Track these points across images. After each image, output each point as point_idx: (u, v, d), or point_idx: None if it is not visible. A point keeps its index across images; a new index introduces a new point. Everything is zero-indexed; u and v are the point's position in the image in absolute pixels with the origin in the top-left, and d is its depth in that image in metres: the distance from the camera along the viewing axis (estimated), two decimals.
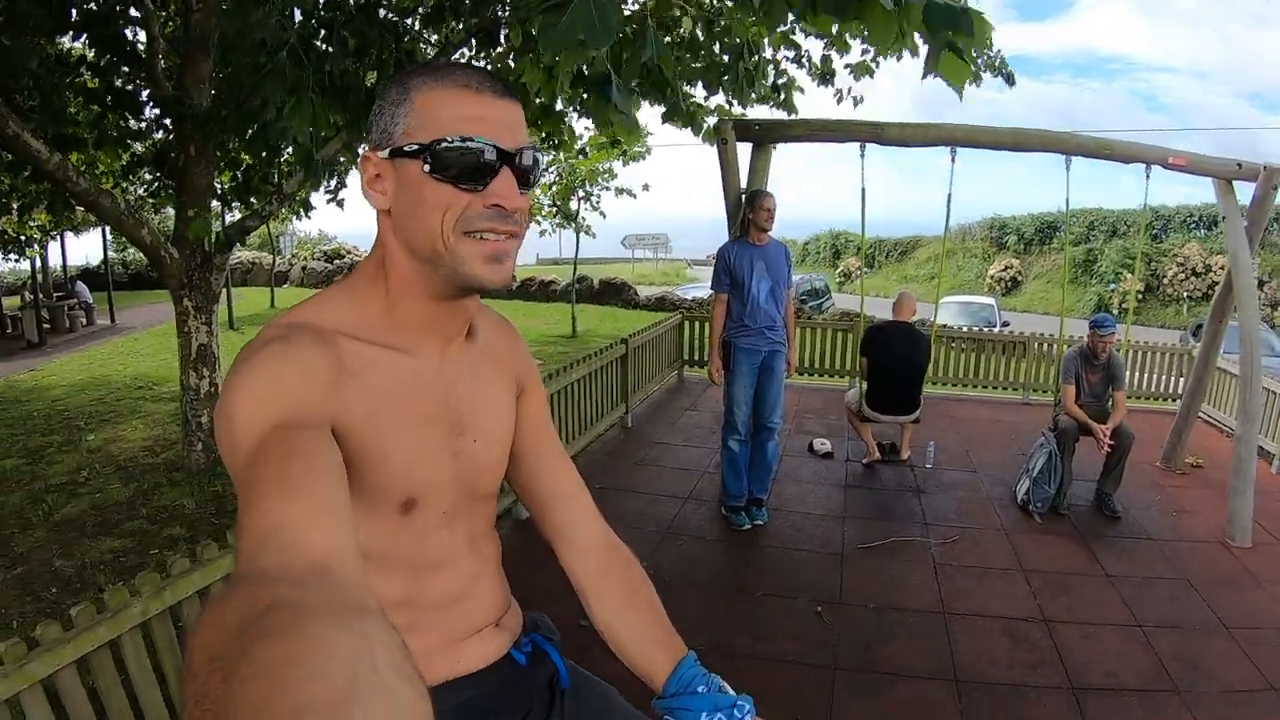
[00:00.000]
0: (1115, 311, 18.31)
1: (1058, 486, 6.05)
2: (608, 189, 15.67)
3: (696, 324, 10.26)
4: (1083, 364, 6.13)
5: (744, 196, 5.58)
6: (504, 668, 1.20)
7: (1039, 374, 9.95)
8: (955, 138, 5.87)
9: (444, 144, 0.94)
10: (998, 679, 4.07)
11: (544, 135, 7.79)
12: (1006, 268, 34.46)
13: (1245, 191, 6.24)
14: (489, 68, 6.62)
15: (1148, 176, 6.05)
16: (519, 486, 1.28)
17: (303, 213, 8.61)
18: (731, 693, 1.17)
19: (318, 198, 8.64)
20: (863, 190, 6.47)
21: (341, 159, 7.75)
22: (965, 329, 12.10)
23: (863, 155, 6.13)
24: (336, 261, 27.60)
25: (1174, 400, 9.05)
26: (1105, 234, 29.55)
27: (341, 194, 9.16)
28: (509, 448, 1.22)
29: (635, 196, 12.85)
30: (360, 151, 1.03)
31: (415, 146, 0.95)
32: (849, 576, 5.07)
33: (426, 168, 0.95)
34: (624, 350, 7.75)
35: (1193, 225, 28.03)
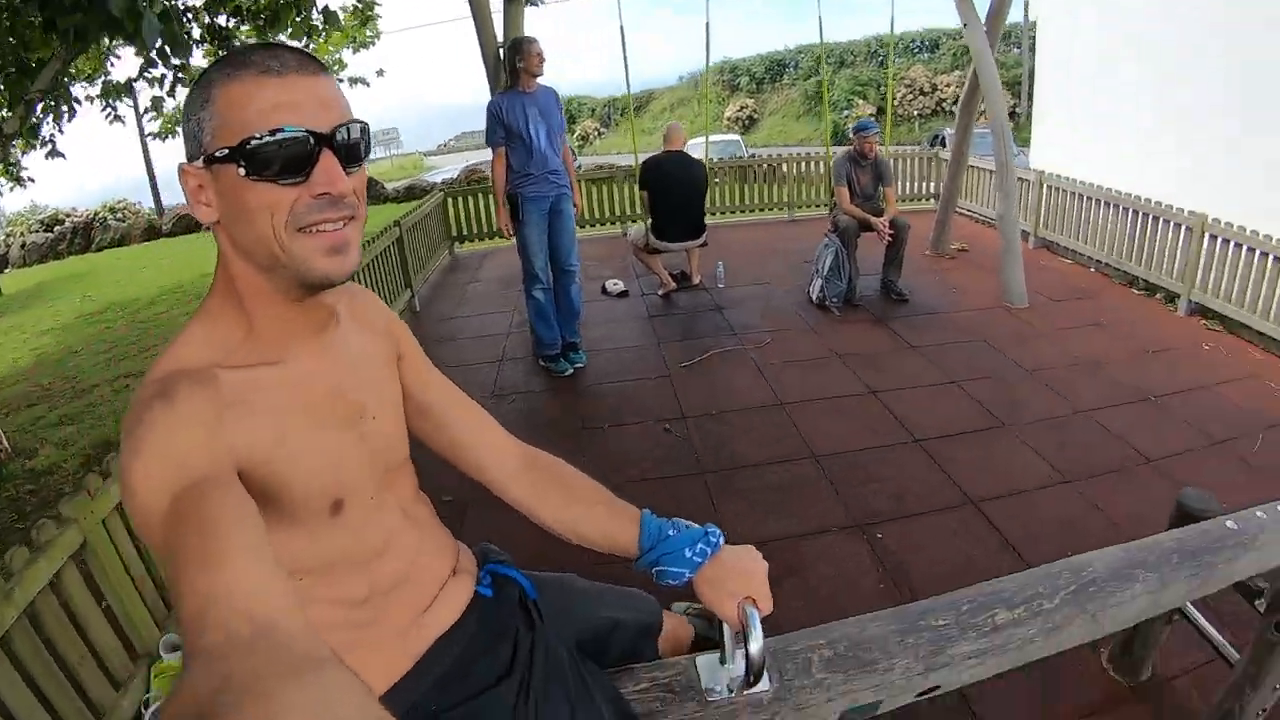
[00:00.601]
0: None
1: (848, 280, 6.57)
2: (341, 80, 14.24)
3: (460, 199, 10.27)
4: (852, 167, 6.58)
5: (509, 47, 5.28)
6: (476, 608, 1.23)
7: (798, 194, 10.49)
8: None
9: (253, 142, 0.88)
10: (850, 447, 4.40)
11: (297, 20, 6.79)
12: (742, 108, 35.95)
13: (982, 7, 6.98)
14: None
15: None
16: (431, 441, 1.29)
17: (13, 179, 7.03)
18: (697, 526, 1.25)
19: (33, 159, 6.76)
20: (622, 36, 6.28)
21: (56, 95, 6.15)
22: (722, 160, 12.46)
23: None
24: (58, 228, 23.44)
25: (929, 200, 10.12)
26: (834, 66, 31.41)
27: (57, 141, 7.19)
28: (403, 412, 1.22)
29: (369, 85, 11.92)
30: (180, 166, 0.95)
31: (225, 151, 0.89)
32: (682, 393, 5.19)
33: (242, 171, 0.89)
34: (399, 232, 7.51)
35: (915, 50, 30.40)
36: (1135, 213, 7.36)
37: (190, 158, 0.93)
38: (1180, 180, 7.60)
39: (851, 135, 6.62)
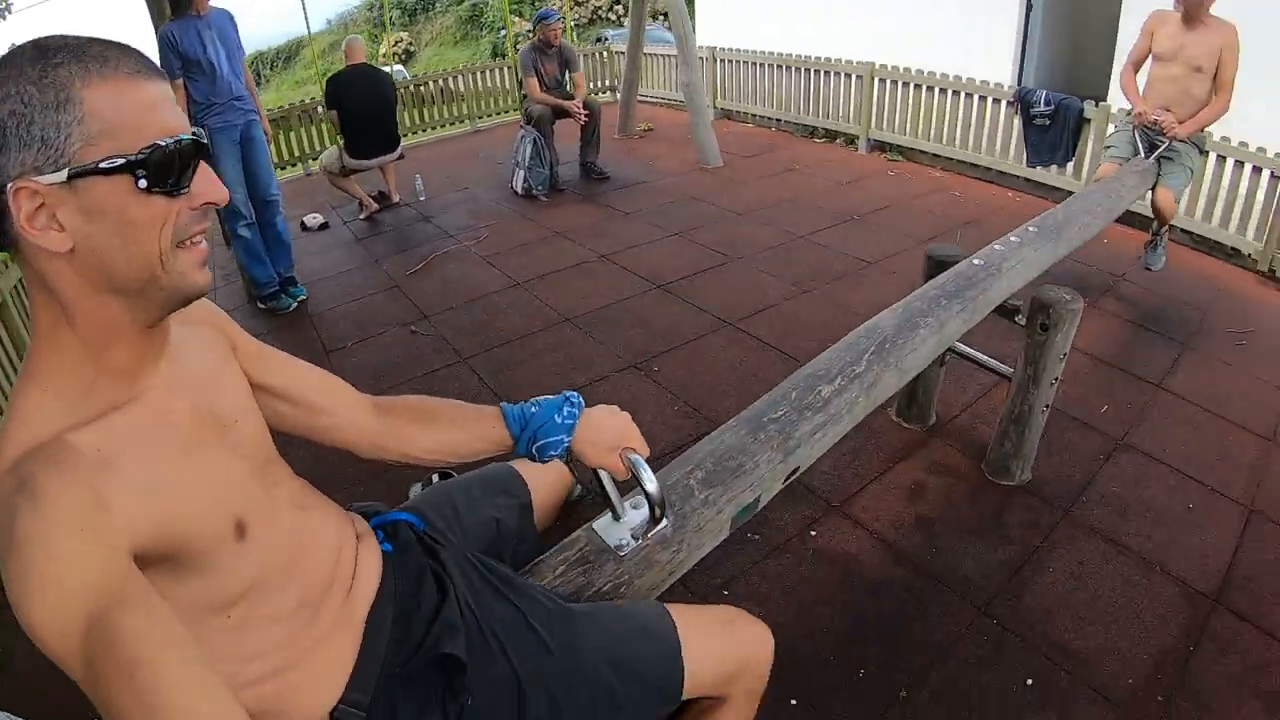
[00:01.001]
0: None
1: (550, 167, 6.63)
2: None
3: None
4: (538, 56, 6.56)
5: None
6: (389, 565, 1.20)
7: (477, 106, 10.28)
8: None
9: (157, 149, 0.80)
10: (601, 304, 4.51)
11: None
12: (397, 42, 34.61)
13: None
14: None
15: None
16: (287, 423, 1.22)
17: None
18: (553, 396, 1.28)
19: None
20: None
21: None
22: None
23: None
24: None
25: (609, 93, 10.33)
26: None
27: None
28: (257, 405, 1.14)
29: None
30: (9, 188, 0.77)
31: (119, 161, 0.78)
32: (416, 297, 4.98)
33: (141, 183, 0.79)
34: None
35: None
36: (810, 71, 8.07)
37: (35, 171, 0.77)
38: (833, 37, 8.39)
39: (534, 26, 6.60)
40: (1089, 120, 5.93)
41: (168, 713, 0.68)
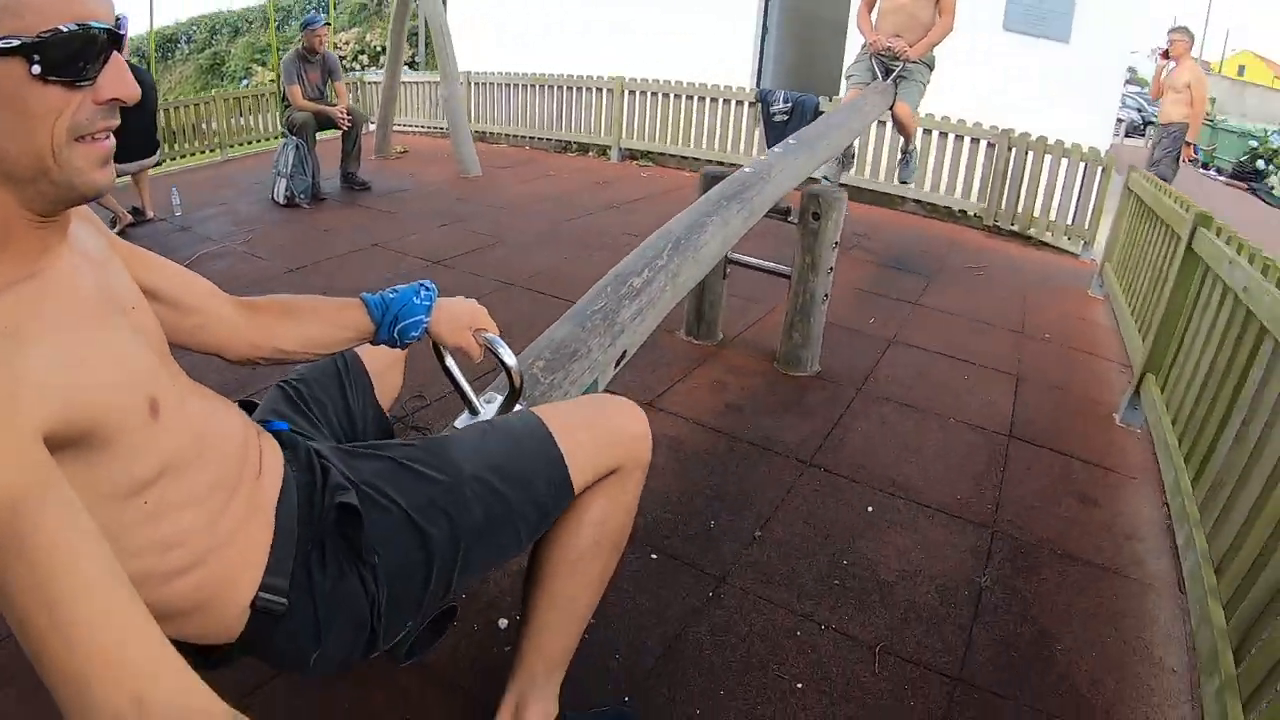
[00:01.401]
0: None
1: (312, 175, 6.23)
2: None
3: None
4: (302, 65, 6.43)
5: None
6: (288, 449, 1.18)
7: (227, 133, 9.61)
8: None
9: (58, 34, 0.74)
10: (381, 279, 4.25)
11: None
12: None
13: None
14: None
15: None
16: (169, 327, 1.13)
17: None
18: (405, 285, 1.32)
19: None
20: None
21: None
22: None
23: None
24: None
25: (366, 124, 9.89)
26: (229, 35, 29.32)
27: None
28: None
29: None
30: None
31: (15, 43, 0.73)
32: None
33: (35, 69, 0.74)
34: None
35: (311, 10, 29.30)
36: (562, 88, 8.33)
37: None
38: (584, 55, 8.78)
39: (301, 32, 6.31)
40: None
41: (75, 627, 0.66)
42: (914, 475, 2.46)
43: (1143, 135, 26.17)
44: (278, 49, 7.74)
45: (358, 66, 27.67)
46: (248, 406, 1.36)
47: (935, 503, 2.32)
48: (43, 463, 0.71)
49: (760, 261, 3.20)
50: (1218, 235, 2.55)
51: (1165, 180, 5.57)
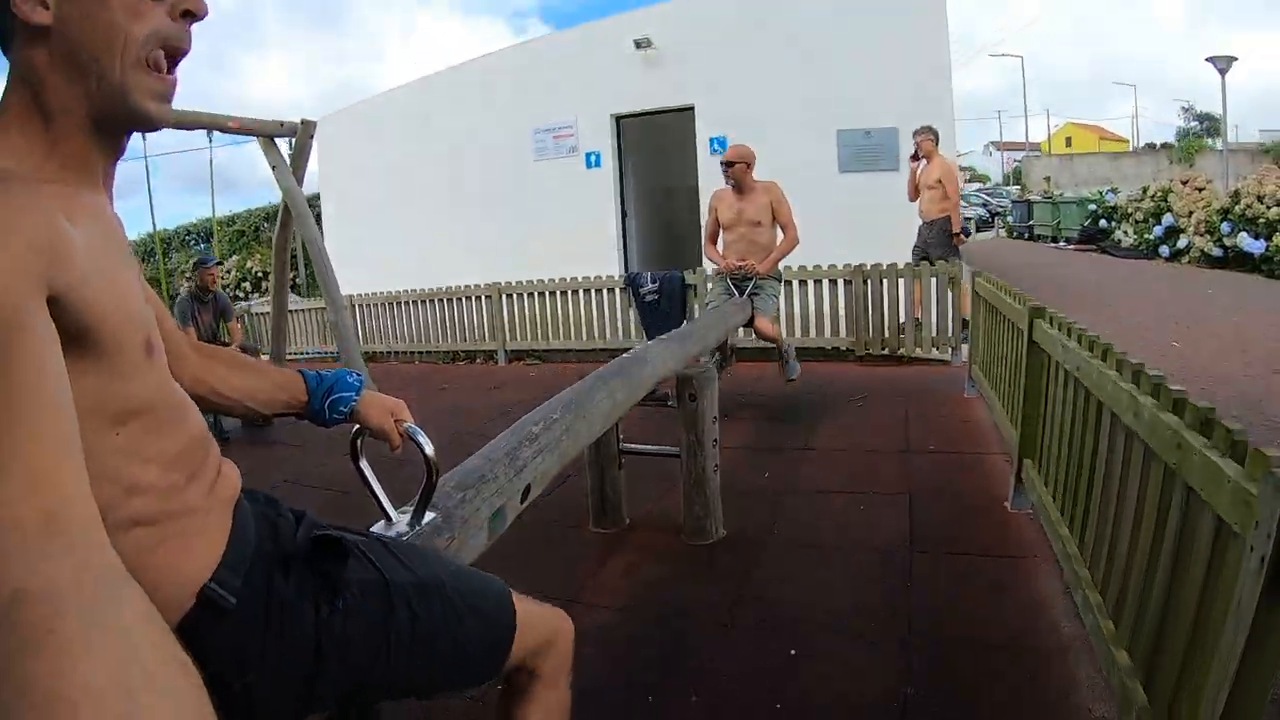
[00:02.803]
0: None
1: (214, 416, 6.14)
2: None
3: None
4: (195, 305, 6.55)
5: None
6: (244, 492, 1.21)
7: None
8: None
9: None
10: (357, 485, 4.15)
11: None
12: None
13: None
14: None
15: (210, 141, 6.66)
16: None
17: None
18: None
19: None
20: None
21: None
22: None
23: None
24: None
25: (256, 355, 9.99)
26: None
27: None
28: None
29: None
30: None
31: None
32: None
33: None
34: None
35: (191, 242, 28.67)
36: (443, 301, 8.74)
37: None
38: (461, 265, 9.33)
39: (192, 271, 6.50)
40: (692, 286, 7.09)
41: (15, 426, 0.67)
42: (827, 610, 2.59)
43: (992, 228, 28.63)
44: (166, 283, 7.88)
45: (240, 294, 27.66)
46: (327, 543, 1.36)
47: (851, 630, 2.44)
48: (37, 296, 0.75)
49: (650, 447, 3.46)
50: (1050, 324, 2.86)
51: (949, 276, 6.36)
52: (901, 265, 6.41)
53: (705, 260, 5.40)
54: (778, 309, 4.97)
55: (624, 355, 3.01)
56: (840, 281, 6.59)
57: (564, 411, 2.24)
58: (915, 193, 7.13)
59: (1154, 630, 1.68)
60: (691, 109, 9.26)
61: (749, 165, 4.88)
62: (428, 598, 1.22)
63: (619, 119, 9.80)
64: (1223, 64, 17.06)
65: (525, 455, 1.94)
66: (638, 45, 9.29)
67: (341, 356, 7.25)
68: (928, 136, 6.97)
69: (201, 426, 1.10)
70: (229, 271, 28.11)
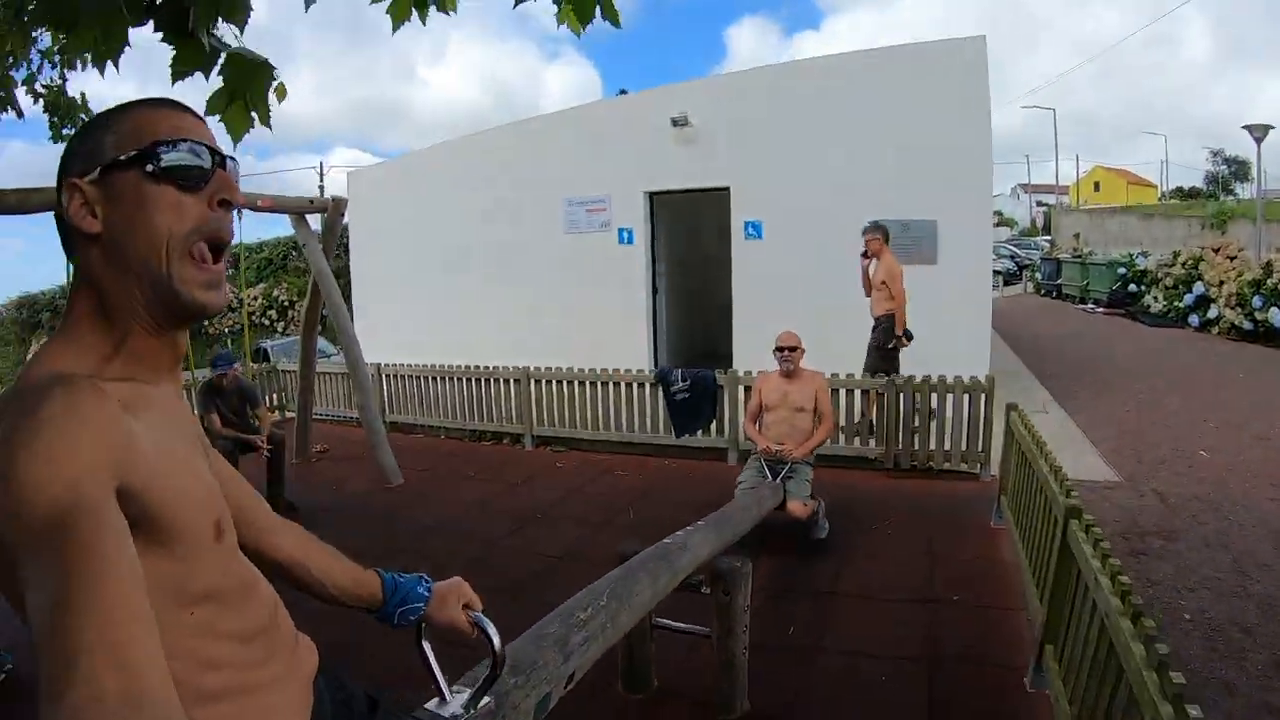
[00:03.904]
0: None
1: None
2: None
3: None
4: (215, 395, 6.62)
5: None
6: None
7: None
8: None
9: (162, 143, 0.99)
10: None
11: None
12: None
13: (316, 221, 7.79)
14: None
15: (240, 218, 6.81)
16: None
17: None
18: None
19: None
20: None
21: None
22: None
23: None
24: None
25: (279, 410, 10.48)
26: None
27: None
28: None
29: None
30: (66, 181, 1.00)
31: (132, 153, 0.98)
32: None
33: (149, 168, 0.98)
34: None
35: (222, 349, 28.90)
36: (473, 380, 8.84)
37: (82, 174, 0.98)
38: (492, 346, 9.54)
39: (211, 371, 6.58)
40: (722, 386, 7.20)
41: (100, 604, 0.70)
42: None
43: (1020, 281, 28.57)
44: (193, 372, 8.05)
45: (266, 321, 27.77)
46: None
47: None
48: (108, 487, 0.80)
49: (682, 625, 3.53)
50: (1085, 533, 2.78)
51: (882, 370, 6.70)
52: (935, 379, 6.49)
53: (743, 434, 5.67)
54: (808, 492, 5.07)
55: (665, 541, 3.11)
56: (843, 391, 6.73)
57: (609, 599, 2.34)
58: (869, 290, 7.20)
59: None
60: (727, 190, 9.38)
61: (804, 352, 5.16)
62: None
63: (653, 195, 9.94)
64: (1259, 133, 16.96)
65: (574, 643, 2.04)
66: (674, 123, 9.43)
67: (370, 443, 7.38)
68: (875, 236, 7.03)
69: (273, 604, 1.15)
70: (255, 299, 28.29)
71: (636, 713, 3.41)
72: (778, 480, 4.97)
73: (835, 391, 6.69)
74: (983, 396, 6.29)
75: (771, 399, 5.21)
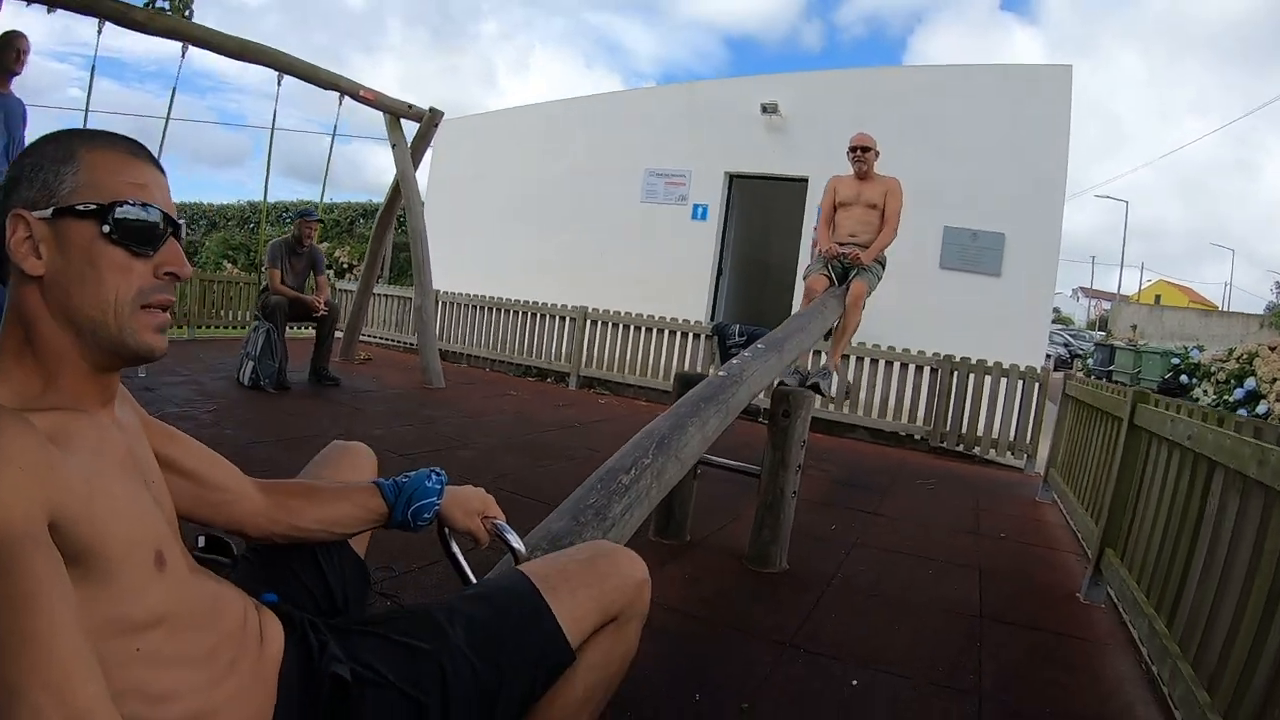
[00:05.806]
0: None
1: (279, 360, 6.35)
2: None
3: None
4: (287, 252, 6.60)
5: None
6: (284, 620, 1.22)
7: (196, 313, 9.79)
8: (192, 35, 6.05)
9: (123, 207, 0.95)
10: (414, 453, 4.19)
11: None
12: None
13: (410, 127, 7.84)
14: None
15: (340, 103, 7.10)
16: (185, 501, 1.23)
17: None
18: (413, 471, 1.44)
19: None
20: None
21: None
22: None
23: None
24: None
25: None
26: (204, 228, 29.67)
27: None
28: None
29: None
30: (12, 211, 0.94)
31: (92, 207, 0.93)
32: None
33: (106, 228, 0.94)
34: None
35: (285, 219, 29.79)
36: (527, 314, 8.90)
37: (31, 205, 0.92)
38: (548, 286, 9.54)
39: (295, 219, 6.64)
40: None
41: (34, 644, 0.70)
42: (893, 653, 2.51)
43: (1070, 367, 28.41)
44: (262, 250, 8.20)
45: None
46: (216, 543, 1.42)
47: (919, 676, 2.37)
48: (43, 521, 0.78)
49: (730, 462, 3.37)
50: (1155, 405, 2.93)
51: None
52: (991, 363, 6.35)
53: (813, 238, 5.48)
54: (875, 287, 5.01)
55: (720, 373, 2.93)
56: (926, 369, 6.58)
57: (655, 453, 2.15)
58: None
59: (1264, 687, 1.64)
60: (805, 181, 9.34)
61: (878, 154, 5.14)
62: (448, 666, 1.20)
63: (732, 177, 9.97)
64: None
65: (614, 512, 1.86)
66: (764, 109, 9.44)
67: (419, 343, 7.40)
68: None
69: (237, 612, 1.11)
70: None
71: (669, 554, 3.29)
72: (846, 283, 4.86)
73: (890, 365, 6.63)
74: (1036, 385, 6.15)
75: (846, 196, 5.16)
